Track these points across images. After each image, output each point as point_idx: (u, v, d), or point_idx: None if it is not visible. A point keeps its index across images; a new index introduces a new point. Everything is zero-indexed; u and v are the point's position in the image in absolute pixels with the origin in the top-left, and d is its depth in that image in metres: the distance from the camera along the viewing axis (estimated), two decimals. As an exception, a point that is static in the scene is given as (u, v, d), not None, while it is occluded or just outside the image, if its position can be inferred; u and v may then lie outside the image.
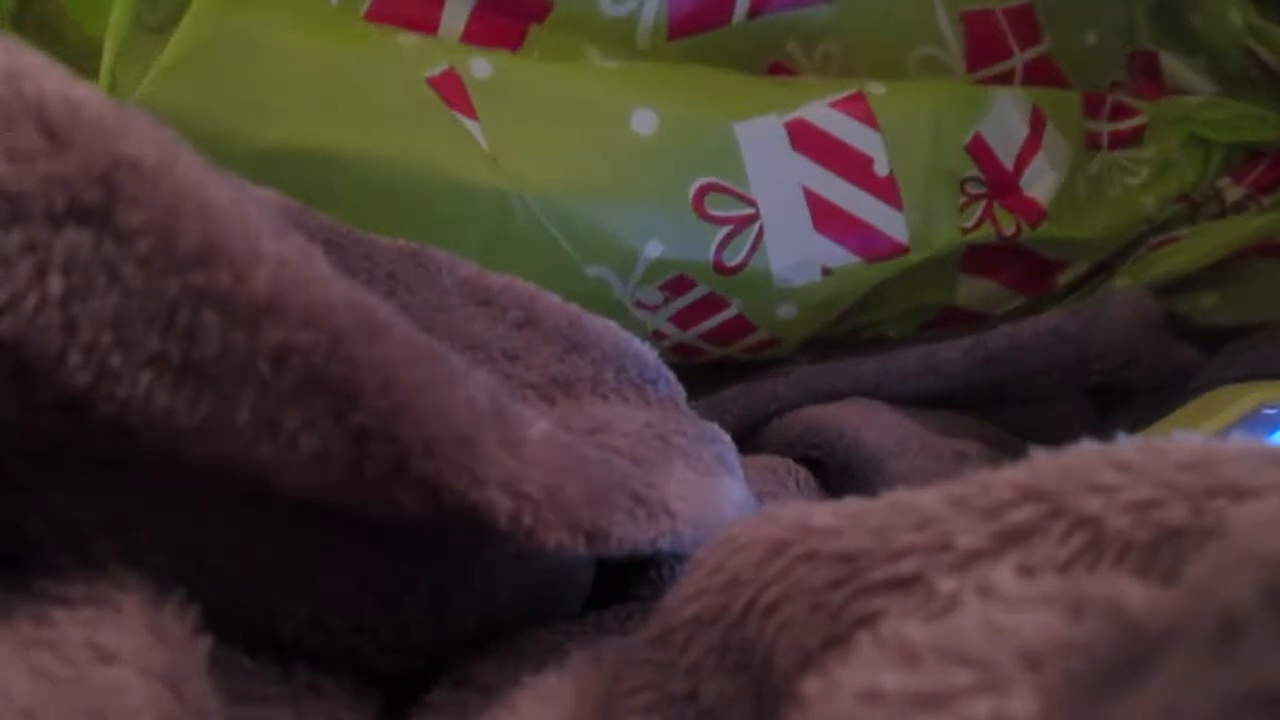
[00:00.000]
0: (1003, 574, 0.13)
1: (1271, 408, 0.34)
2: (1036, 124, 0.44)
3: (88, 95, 0.15)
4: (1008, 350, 0.41)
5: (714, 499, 0.23)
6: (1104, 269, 0.47)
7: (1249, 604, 0.10)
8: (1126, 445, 0.14)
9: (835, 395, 0.41)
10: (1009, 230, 0.44)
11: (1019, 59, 0.45)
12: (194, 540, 0.17)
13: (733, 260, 0.40)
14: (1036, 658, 0.11)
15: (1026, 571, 0.13)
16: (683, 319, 0.42)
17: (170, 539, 0.17)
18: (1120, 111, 0.47)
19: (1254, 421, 0.34)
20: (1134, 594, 0.12)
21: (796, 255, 0.41)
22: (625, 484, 0.19)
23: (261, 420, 0.15)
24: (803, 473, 0.38)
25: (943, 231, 0.42)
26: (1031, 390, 0.42)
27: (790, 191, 0.41)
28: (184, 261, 0.15)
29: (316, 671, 0.19)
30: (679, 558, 0.22)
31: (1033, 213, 0.44)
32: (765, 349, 0.44)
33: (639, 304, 0.41)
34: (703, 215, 0.40)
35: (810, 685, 0.13)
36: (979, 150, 0.43)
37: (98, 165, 0.15)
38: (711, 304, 0.42)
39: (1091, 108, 0.46)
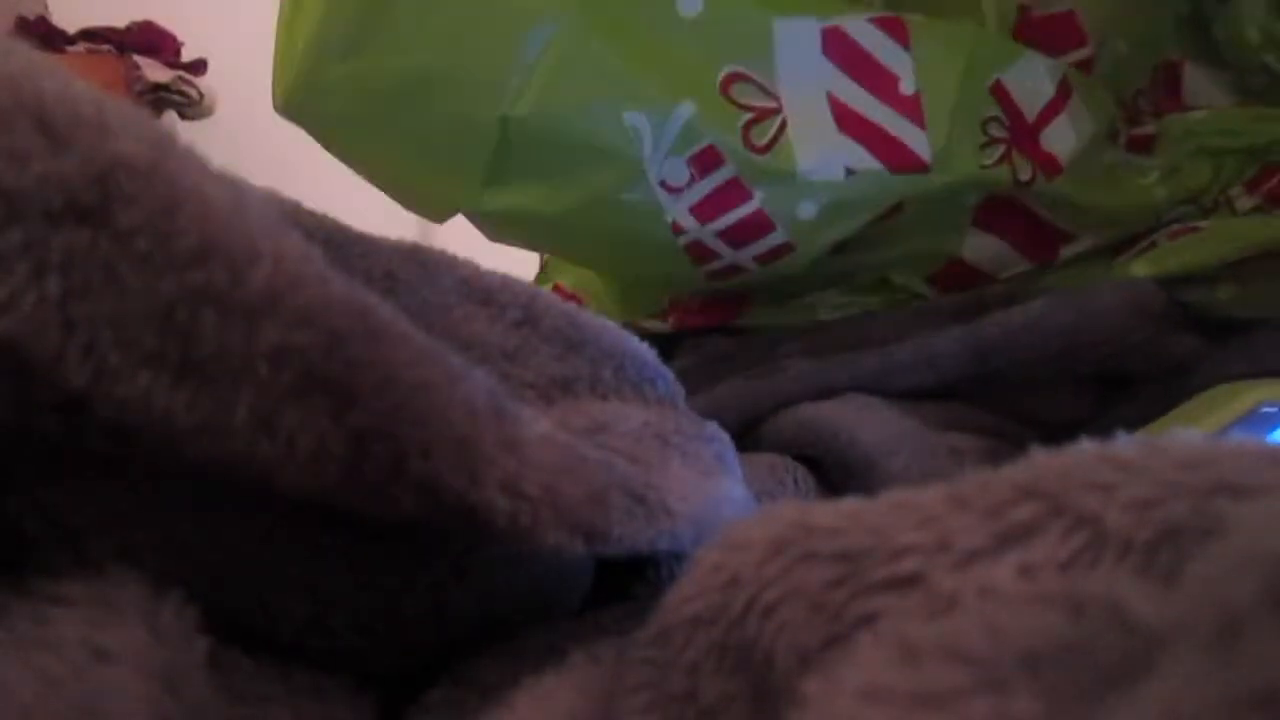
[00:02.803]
0: (1003, 573, 0.13)
1: (1271, 406, 0.34)
2: (1064, 90, 0.45)
3: (86, 95, 0.15)
4: (1000, 339, 0.41)
5: (713, 498, 0.23)
6: (1109, 252, 0.47)
7: (1249, 604, 0.10)
8: (1126, 444, 0.14)
9: (832, 392, 0.41)
10: (1025, 175, 0.44)
11: (1065, 59, 0.45)
12: (192, 540, 0.17)
13: (760, 140, 0.41)
14: (1036, 658, 0.11)
15: (1027, 571, 0.13)
16: (704, 209, 0.42)
17: (169, 539, 0.17)
18: (1136, 118, 0.47)
19: (1253, 419, 0.34)
20: (1134, 594, 0.12)
21: (819, 150, 0.41)
22: (624, 483, 0.19)
23: (260, 420, 0.15)
24: (801, 470, 0.38)
25: (963, 159, 0.43)
26: (1028, 380, 0.42)
27: (815, 94, 0.41)
28: (182, 260, 0.15)
29: (316, 671, 0.19)
30: (678, 557, 0.22)
31: (1051, 165, 0.44)
32: (781, 256, 0.44)
33: (664, 184, 0.41)
34: (729, 99, 0.40)
35: (810, 685, 0.13)
36: (1002, 95, 0.44)
37: (95, 165, 0.15)
38: (734, 193, 0.42)
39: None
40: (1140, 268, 0.45)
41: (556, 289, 0.60)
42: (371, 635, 0.19)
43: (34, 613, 0.15)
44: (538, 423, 0.18)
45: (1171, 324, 0.42)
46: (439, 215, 0.49)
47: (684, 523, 0.20)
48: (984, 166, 0.43)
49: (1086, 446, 0.14)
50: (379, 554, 0.19)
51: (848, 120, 0.41)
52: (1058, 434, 0.43)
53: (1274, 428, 0.34)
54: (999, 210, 0.46)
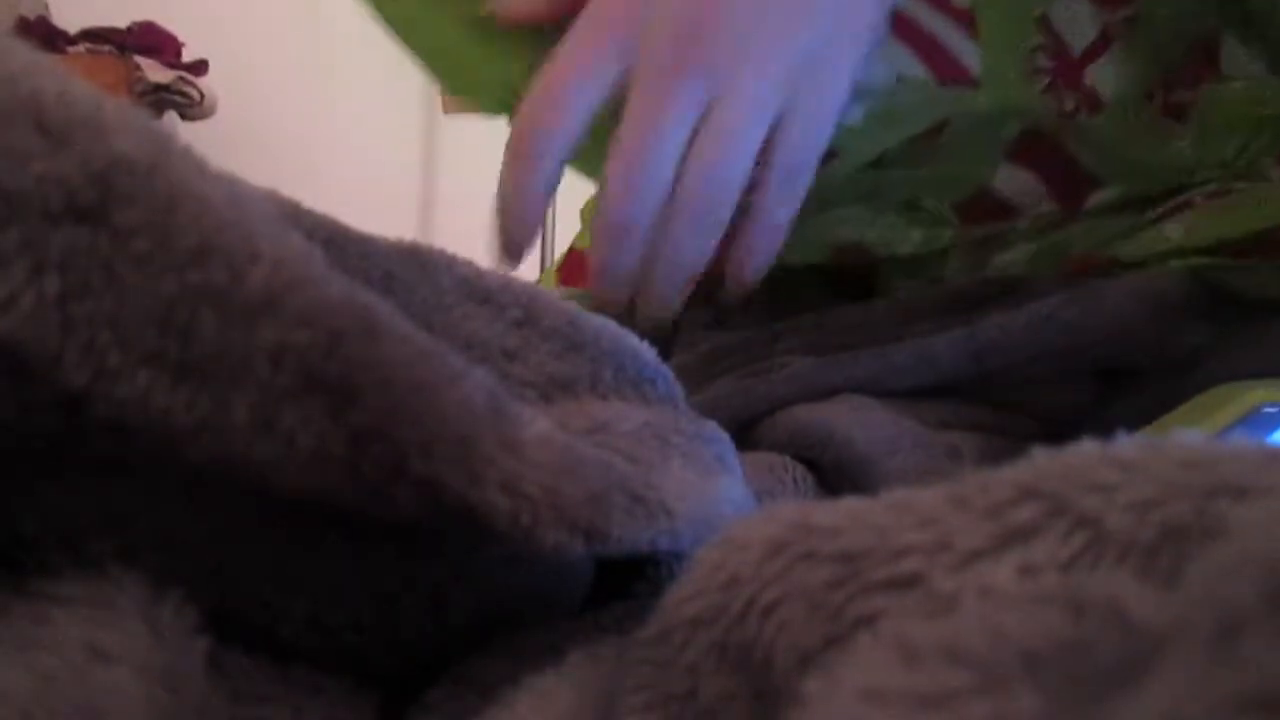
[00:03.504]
0: (1003, 574, 0.13)
1: (1271, 406, 0.34)
2: (1107, 36, 0.45)
3: (85, 95, 0.15)
4: (1000, 341, 0.41)
5: (713, 498, 0.23)
6: (1139, 205, 0.47)
7: (1249, 605, 0.10)
8: (1127, 444, 0.14)
9: (828, 391, 0.41)
10: (1069, 106, 0.44)
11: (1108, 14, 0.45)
12: (192, 540, 0.17)
13: None
14: (1036, 658, 0.11)
15: (1027, 571, 0.13)
16: None
17: (168, 539, 0.17)
18: (1173, 85, 0.47)
19: (1254, 420, 0.34)
20: (1135, 594, 0.12)
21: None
22: (624, 483, 0.19)
23: (259, 419, 0.15)
24: (800, 469, 0.38)
25: (1011, 81, 0.43)
26: (1029, 376, 0.42)
27: None
28: (181, 260, 0.15)
29: (315, 671, 0.19)
30: (678, 557, 0.22)
31: (1093, 100, 0.44)
32: (823, 163, 0.44)
33: None
34: None
35: (810, 685, 0.13)
36: (1048, 28, 0.44)
37: (94, 164, 0.15)
38: None
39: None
40: (1172, 230, 0.45)
41: (573, 256, 0.60)
42: (371, 635, 0.19)
43: (34, 613, 0.15)
44: (537, 422, 0.18)
45: (1185, 315, 0.41)
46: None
47: (684, 523, 0.20)
48: (1030, 91, 0.43)
49: (1087, 446, 0.14)
50: (379, 554, 0.19)
51: (902, 26, 0.41)
52: (1058, 426, 0.43)
53: (1275, 428, 0.34)
54: (1035, 145, 0.46)
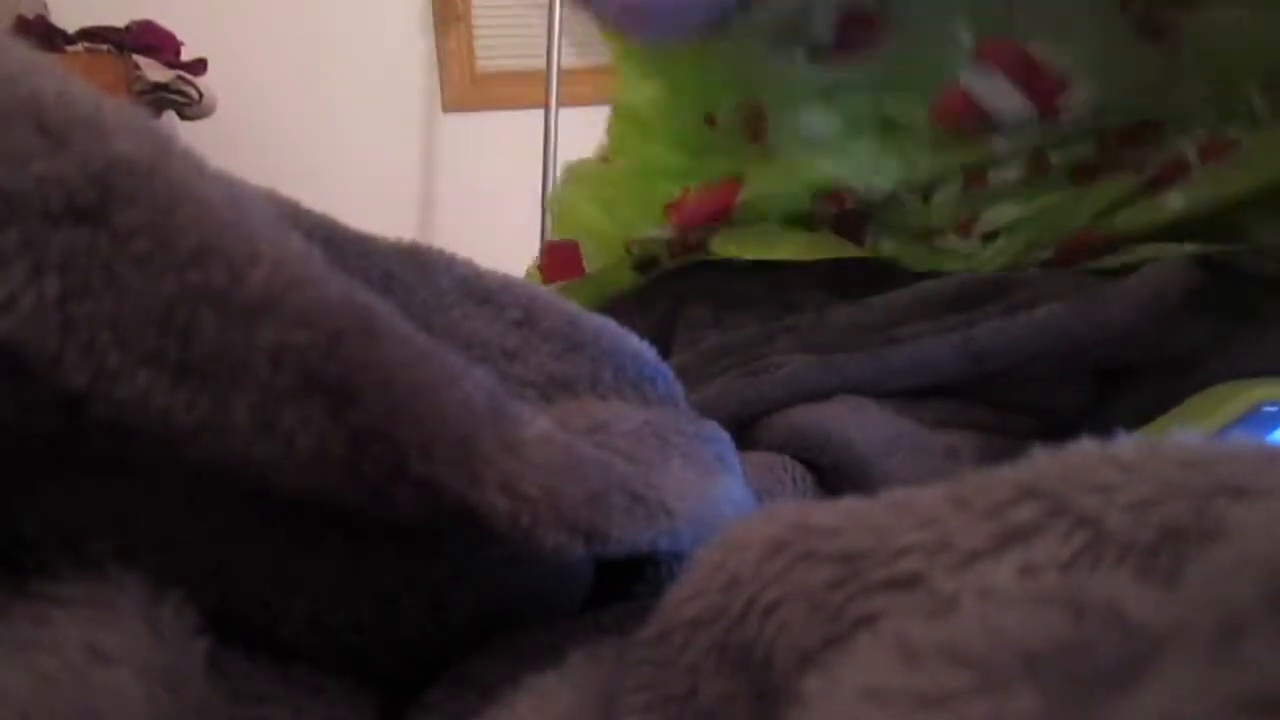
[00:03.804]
0: (1003, 574, 0.13)
1: (1271, 405, 0.34)
2: None
3: (84, 95, 0.15)
4: (1000, 346, 0.40)
5: (713, 498, 0.23)
6: (1141, 186, 0.46)
7: (1249, 605, 0.10)
8: (1127, 444, 0.14)
9: (825, 393, 0.41)
10: None
11: None
12: (192, 540, 0.17)
13: None
14: (1037, 658, 0.11)
15: (1027, 571, 0.13)
16: None
17: (168, 539, 0.17)
18: (1152, 8, 0.47)
19: (1254, 419, 0.34)
20: (1134, 595, 0.12)
21: None
22: (624, 483, 0.19)
23: (259, 420, 0.15)
24: (800, 469, 0.38)
25: None
26: (1029, 375, 0.42)
27: None
28: (181, 260, 0.15)
29: (315, 671, 0.19)
30: (678, 557, 0.22)
31: None
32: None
33: None
34: None
35: (810, 685, 0.13)
36: None
37: (94, 164, 0.15)
38: None
39: None
40: (1174, 200, 0.44)
41: (547, 247, 0.60)
42: (371, 635, 0.19)
43: (34, 613, 0.15)
44: (537, 423, 0.18)
45: (1185, 315, 0.41)
46: None
47: (684, 523, 0.20)
48: None
49: (1087, 446, 0.14)
50: (379, 554, 0.19)
51: None
52: (1058, 426, 0.43)
53: (1275, 427, 0.34)
54: (998, 47, 0.46)
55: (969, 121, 0.47)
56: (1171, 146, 0.46)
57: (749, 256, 0.52)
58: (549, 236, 0.61)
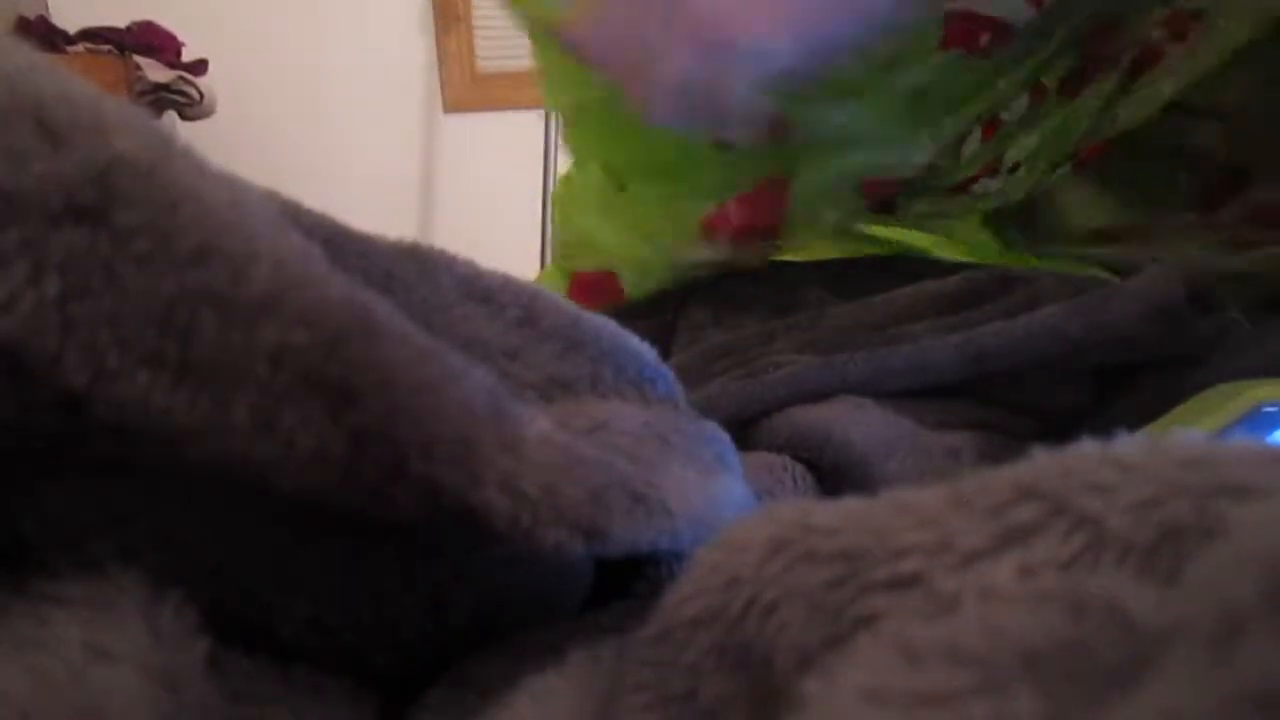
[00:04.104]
0: (1003, 573, 0.13)
1: (1271, 406, 0.34)
2: None
3: (84, 95, 0.15)
4: (1000, 348, 0.40)
5: (713, 498, 0.23)
6: (1081, 45, 0.46)
7: (1249, 604, 0.10)
8: (1127, 444, 0.14)
9: (825, 393, 0.41)
10: None
11: None
12: (192, 540, 0.17)
13: None
14: (1037, 658, 0.11)
15: (1027, 571, 0.13)
16: None
17: (168, 539, 0.17)
18: None
19: (1254, 420, 0.34)
20: (1135, 594, 0.12)
21: None
22: (624, 483, 0.19)
23: (259, 420, 0.15)
24: (800, 469, 0.38)
25: None
26: (1029, 375, 0.42)
27: None
28: (181, 260, 0.15)
29: (316, 671, 0.19)
30: (678, 557, 0.22)
31: None
32: None
33: None
34: None
35: (810, 685, 0.13)
36: None
37: (94, 164, 0.15)
38: None
39: None
40: (1165, 87, 0.45)
41: (576, 278, 0.59)
42: (371, 635, 0.19)
43: (34, 613, 0.15)
44: (537, 422, 0.18)
45: (1186, 316, 0.41)
46: None
47: (684, 522, 0.20)
48: None
49: (1087, 446, 0.14)
50: (379, 554, 0.19)
51: None
52: (1058, 426, 0.43)
53: (1275, 428, 0.34)
54: None
55: (980, 36, 0.47)
56: (1138, 34, 0.46)
57: (815, 258, 0.51)
58: (552, 241, 0.60)
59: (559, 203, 0.60)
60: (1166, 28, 0.46)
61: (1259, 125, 0.49)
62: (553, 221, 0.61)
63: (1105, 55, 0.47)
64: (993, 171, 0.52)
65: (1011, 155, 0.51)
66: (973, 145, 0.51)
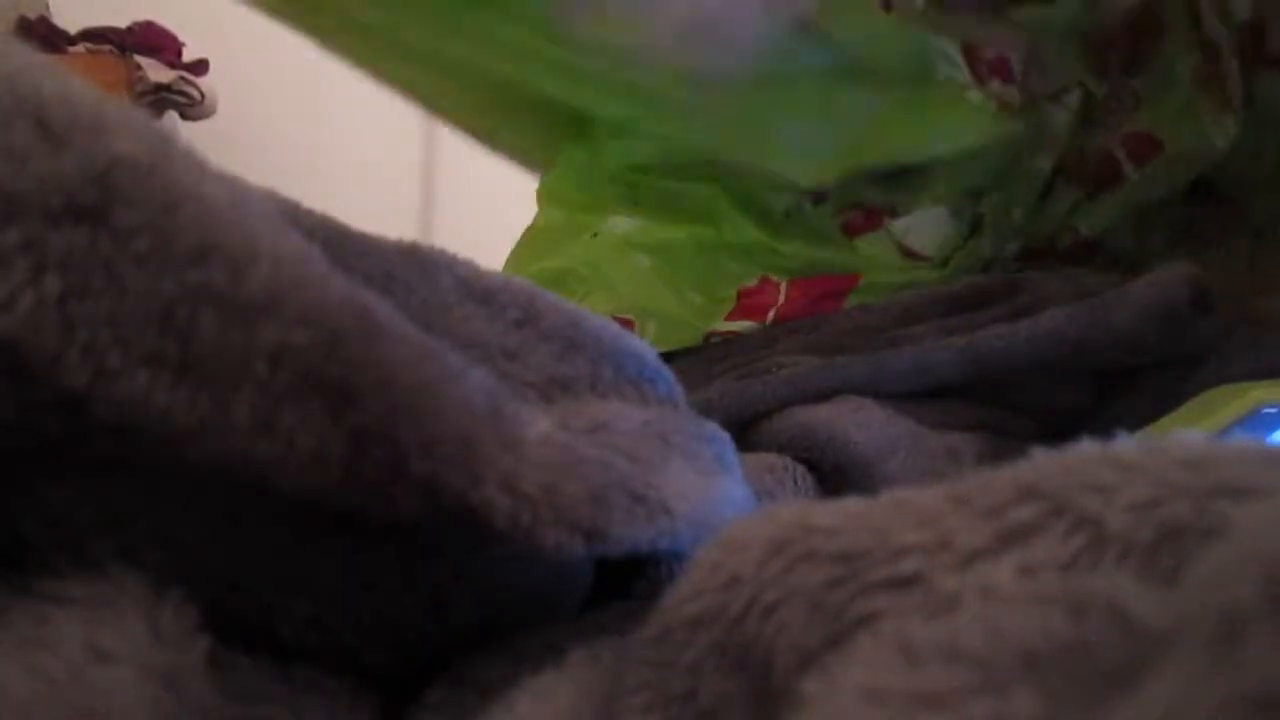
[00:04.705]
0: (1003, 573, 0.13)
1: (1271, 407, 0.34)
2: None
3: (84, 95, 0.15)
4: (1002, 352, 0.40)
5: (713, 498, 0.23)
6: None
7: (1250, 605, 0.10)
8: (1127, 444, 0.14)
9: (824, 395, 0.41)
10: None
11: None
12: (192, 540, 0.17)
13: None
14: (1037, 658, 0.11)
15: (1027, 571, 0.13)
16: None
17: (168, 539, 0.17)
18: None
19: (1254, 420, 0.34)
20: (1135, 594, 0.12)
21: None
22: (624, 483, 0.19)
23: (259, 419, 0.15)
24: (800, 470, 0.38)
25: None
26: (1030, 377, 0.42)
27: None
28: (181, 260, 0.15)
29: (315, 671, 0.19)
30: (678, 557, 0.22)
31: None
32: None
33: None
34: None
35: (810, 685, 0.13)
36: None
37: (94, 165, 0.15)
38: None
39: None
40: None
41: None
42: (371, 635, 0.19)
43: (34, 613, 0.15)
44: (537, 422, 0.18)
45: (1187, 317, 0.41)
46: None
47: (684, 522, 0.20)
48: None
49: (1087, 447, 0.14)
50: (379, 554, 0.19)
51: None
52: (1058, 426, 0.43)
53: (1275, 428, 0.34)
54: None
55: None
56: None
57: None
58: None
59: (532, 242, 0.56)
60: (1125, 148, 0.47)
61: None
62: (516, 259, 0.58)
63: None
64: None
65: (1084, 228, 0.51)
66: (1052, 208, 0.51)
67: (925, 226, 0.50)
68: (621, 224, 0.53)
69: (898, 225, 0.50)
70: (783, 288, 0.50)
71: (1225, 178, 0.48)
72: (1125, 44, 0.48)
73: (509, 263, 0.59)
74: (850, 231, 0.51)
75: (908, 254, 0.50)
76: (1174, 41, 0.47)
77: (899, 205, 0.50)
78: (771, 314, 0.50)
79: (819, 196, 0.51)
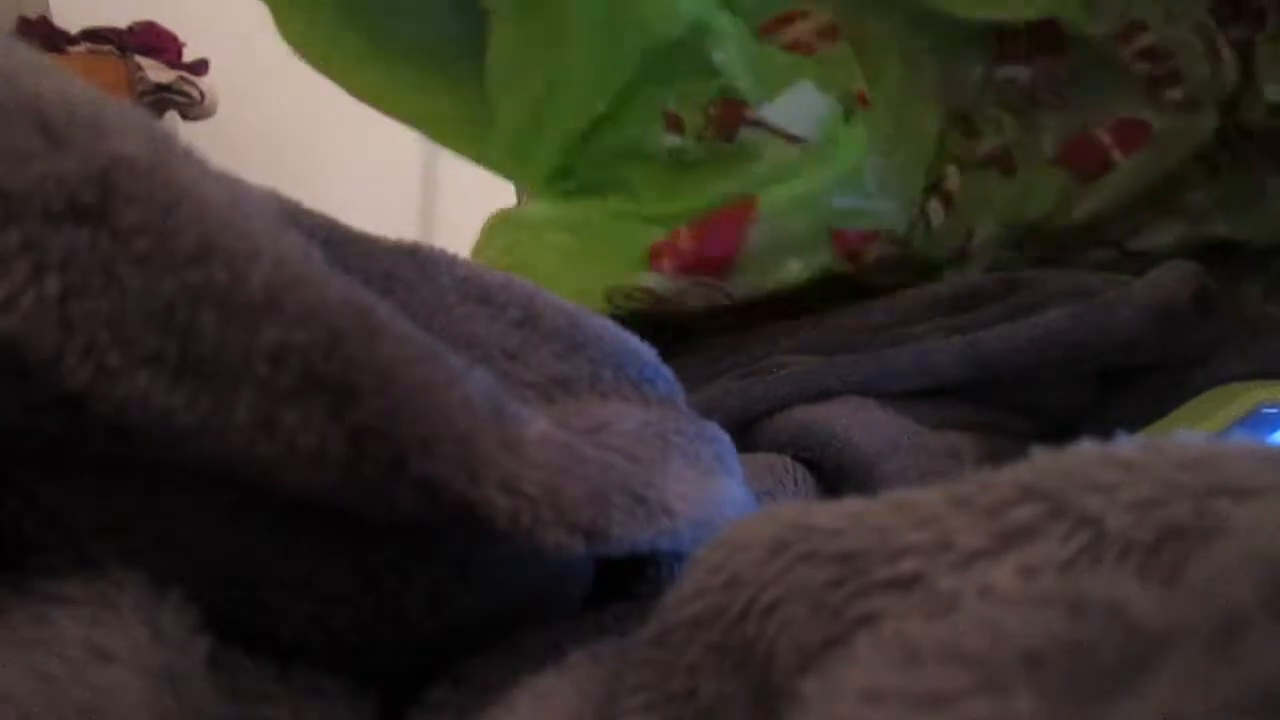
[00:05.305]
0: (1003, 573, 0.13)
1: (1271, 407, 0.34)
2: None
3: (84, 95, 0.15)
4: (1003, 352, 0.40)
5: (713, 498, 0.23)
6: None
7: (1250, 604, 0.10)
8: (1128, 444, 0.14)
9: (825, 394, 0.41)
10: None
11: None
12: (192, 540, 0.17)
13: None
14: (1037, 658, 0.11)
15: (1027, 571, 0.13)
16: None
17: (168, 539, 0.17)
18: None
19: (1254, 420, 0.34)
20: (1135, 594, 0.12)
21: None
22: (624, 483, 0.19)
23: (259, 419, 0.15)
24: (801, 470, 0.38)
25: None
26: (1031, 377, 0.42)
27: None
28: (181, 260, 0.15)
29: (316, 671, 0.19)
30: (678, 557, 0.22)
31: None
32: None
33: None
34: None
35: (810, 685, 0.13)
36: None
37: (95, 164, 0.15)
38: None
39: None
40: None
41: None
42: (371, 635, 0.19)
43: (34, 613, 0.15)
44: (537, 422, 0.18)
45: (1188, 318, 0.40)
46: None
47: (684, 522, 0.20)
48: None
49: (1088, 447, 0.14)
50: (379, 553, 0.19)
51: None
52: (1058, 426, 0.43)
53: (1275, 428, 0.34)
54: None
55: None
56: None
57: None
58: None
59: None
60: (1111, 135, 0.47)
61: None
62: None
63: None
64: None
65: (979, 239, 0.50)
66: (938, 218, 0.50)
67: (794, 108, 0.48)
68: (541, 210, 0.53)
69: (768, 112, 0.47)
70: (681, 234, 0.49)
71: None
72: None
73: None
74: (721, 128, 0.48)
75: (792, 139, 0.48)
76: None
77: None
78: (667, 263, 0.48)
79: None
